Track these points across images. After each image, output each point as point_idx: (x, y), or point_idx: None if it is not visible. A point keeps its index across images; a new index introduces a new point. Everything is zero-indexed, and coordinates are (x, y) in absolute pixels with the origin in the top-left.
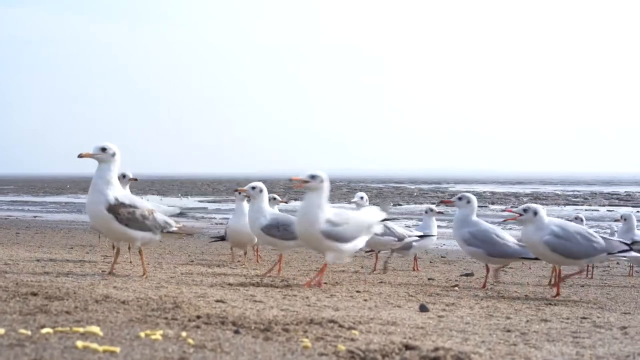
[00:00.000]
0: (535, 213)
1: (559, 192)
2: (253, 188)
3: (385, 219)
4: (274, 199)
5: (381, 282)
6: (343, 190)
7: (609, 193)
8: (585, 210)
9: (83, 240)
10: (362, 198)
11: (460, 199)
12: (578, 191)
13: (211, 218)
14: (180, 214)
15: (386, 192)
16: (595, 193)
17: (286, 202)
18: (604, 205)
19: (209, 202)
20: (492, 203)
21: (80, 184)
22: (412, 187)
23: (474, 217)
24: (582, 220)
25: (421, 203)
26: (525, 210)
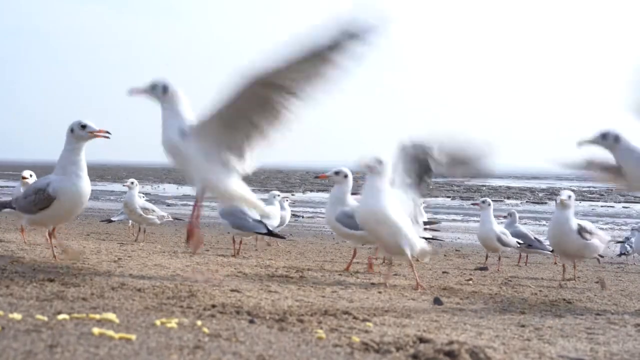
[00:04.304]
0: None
1: (574, 188)
2: (337, 173)
3: None
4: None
5: (395, 275)
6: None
7: None
8: (601, 206)
9: (99, 228)
10: None
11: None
12: (594, 187)
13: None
14: None
15: None
16: (611, 189)
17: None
18: (619, 202)
19: None
20: (508, 197)
21: (96, 170)
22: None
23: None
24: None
25: (436, 196)
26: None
